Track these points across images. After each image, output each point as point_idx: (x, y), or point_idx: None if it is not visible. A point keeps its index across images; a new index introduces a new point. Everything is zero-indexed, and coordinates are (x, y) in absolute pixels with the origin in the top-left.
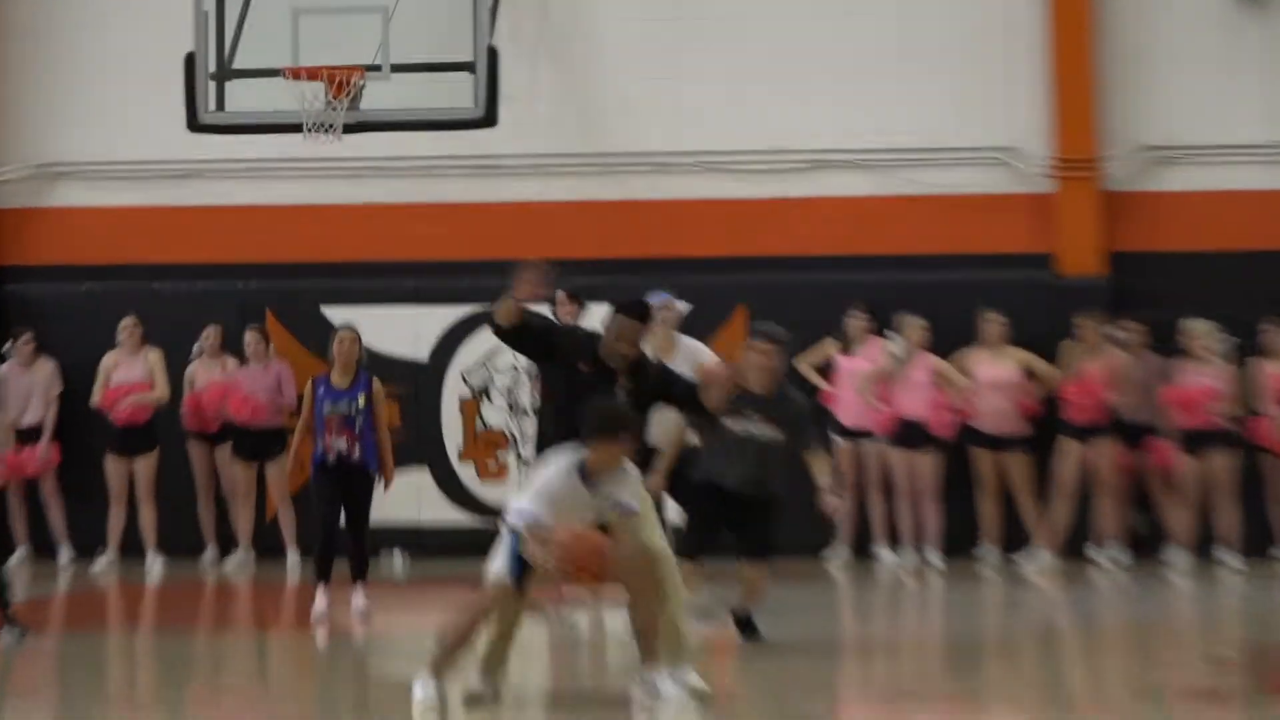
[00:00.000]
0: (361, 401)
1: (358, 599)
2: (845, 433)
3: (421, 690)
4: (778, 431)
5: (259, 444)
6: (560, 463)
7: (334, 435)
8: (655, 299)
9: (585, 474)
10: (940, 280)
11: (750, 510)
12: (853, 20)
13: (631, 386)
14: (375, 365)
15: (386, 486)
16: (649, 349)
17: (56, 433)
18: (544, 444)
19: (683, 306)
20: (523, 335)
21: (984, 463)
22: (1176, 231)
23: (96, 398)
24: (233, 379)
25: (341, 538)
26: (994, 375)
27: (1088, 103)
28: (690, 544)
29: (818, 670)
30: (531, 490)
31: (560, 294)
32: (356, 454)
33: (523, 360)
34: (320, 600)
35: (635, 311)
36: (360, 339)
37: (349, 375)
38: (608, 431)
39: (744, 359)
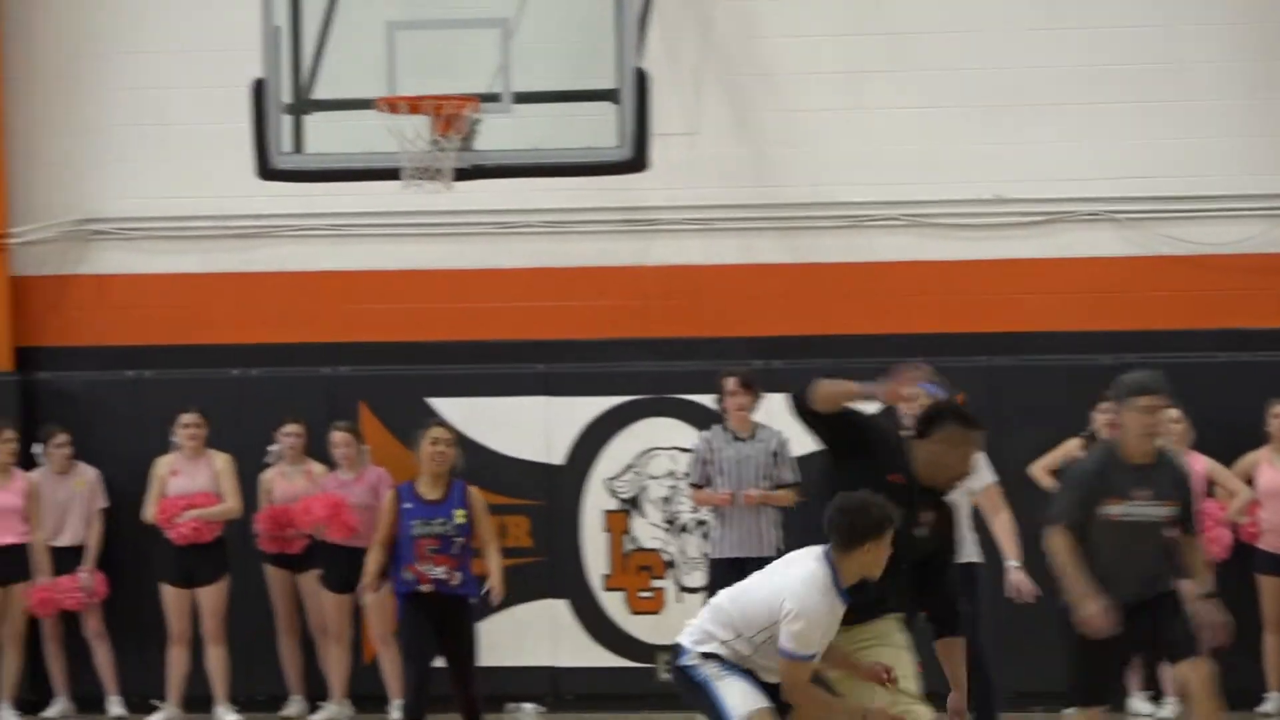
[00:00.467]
0: (459, 517)
1: None
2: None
3: None
4: (1168, 507)
5: (353, 569)
6: (813, 577)
7: (425, 560)
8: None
9: (839, 589)
10: (1209, 362)
11: (1160, 612)
12: (1090, 31)
13: (935, 519)
14: (497, 471)
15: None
16: None
17: (101, 557)
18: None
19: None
20: (835, 425)
21: (1269, 590)
22: None
23: (150, 512)
24: (324, 490)
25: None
26: None
27: None
28: (1088, 690)
29: None
30: (796, 618)
31: (732, 381)
32: (456, 581)
33: (681, 465)
34: None
35: (971, 422)
36: (455, 441)
37: (441, 485)
38: (881, 529)
39: (1124, 422)
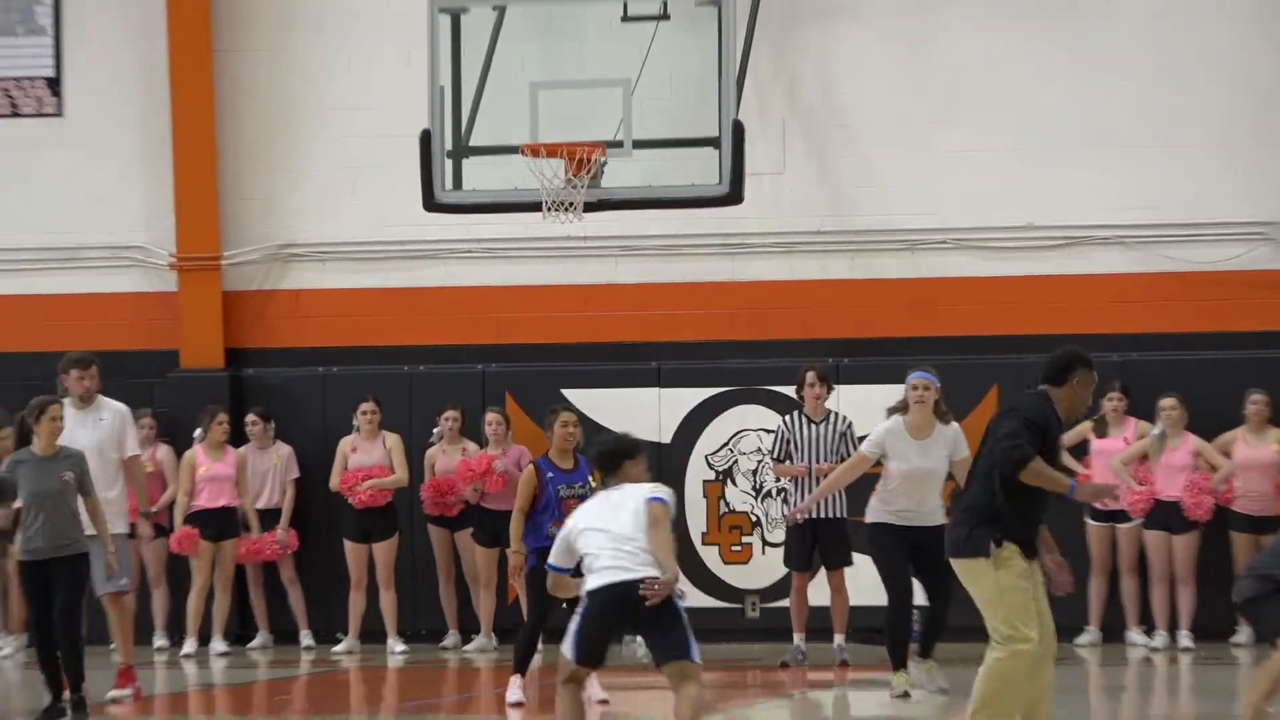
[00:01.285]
0: (594, 482)
1: (594, 688)
2: (1098, 515)
3: None
4: None
5: (499, 527)
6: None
7: None
8: (913, 377)
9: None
10: (1199, 360)
11: None
12: (1111, 86)
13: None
14: None
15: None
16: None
17: (293, 518)
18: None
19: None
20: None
21: (1241, 544)
22: None
23: (334, 482)
24: (480, 458)
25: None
26: (1255, 456)
27: None
28: None
29: None
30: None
31: (810, 375)
32: None
33: (766, 443)
34: (516, 691)
35: (1093, 363)
36: (579, 423)
37: (571, 458)
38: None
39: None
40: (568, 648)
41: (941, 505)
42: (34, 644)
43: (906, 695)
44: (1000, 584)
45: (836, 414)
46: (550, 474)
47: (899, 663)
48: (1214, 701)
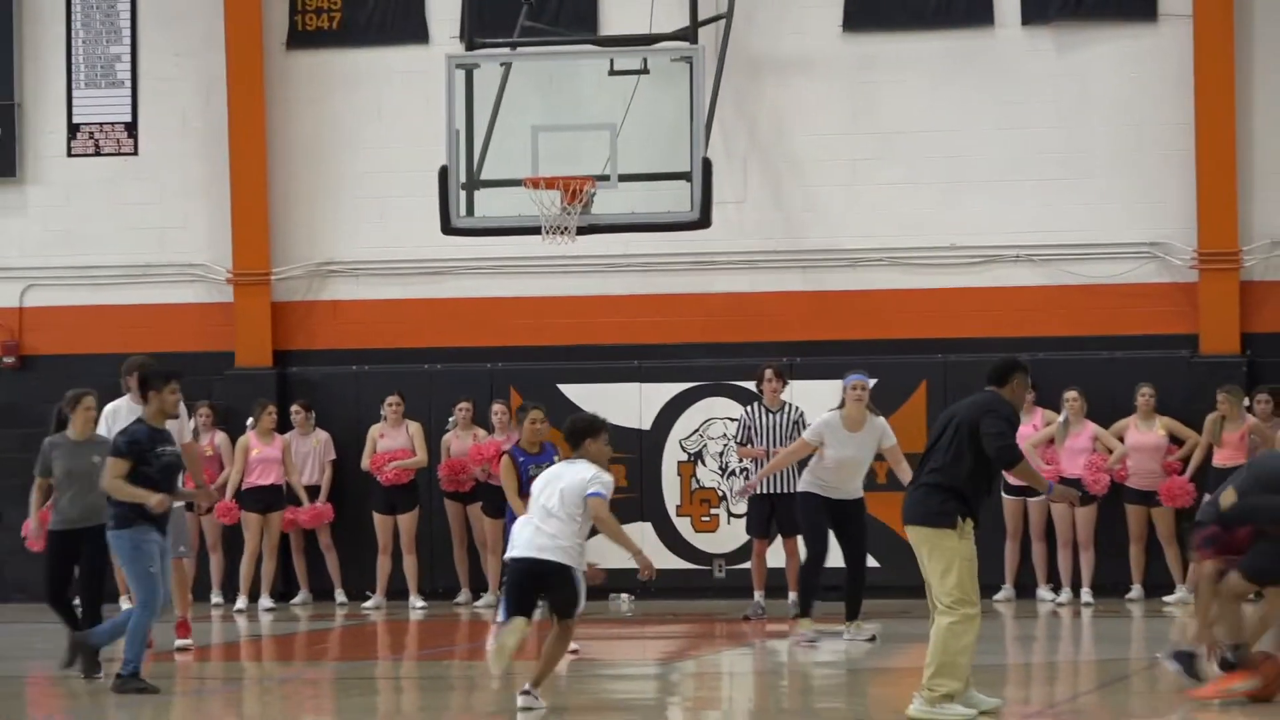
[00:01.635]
0: (556, 460)
1: None
2: (1011, 490)
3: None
4: None
5: (505, 502)
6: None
7: None
8: (850, 379)
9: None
10: (1096, 359)
11: None
12: (1016, 129)
13: None
14: None
15: None
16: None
17: (331, 494)
18: (969, 504)
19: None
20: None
21: (1134, 515)
22: None
23: (365, 463)
24: (489, 444)
25: None
26: (1144, 440)
27: (1231, 202)
28: None
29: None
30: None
31: (769, 372)
32: None
33: (731, 430)
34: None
35: (1028, 368)
36: (546, 419)
37: (537, 447)
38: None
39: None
40: (500, 608)
41: (862, 485)
42: (50, 600)
43: (813, 642)
44: (960, 553)
45: (790, 405)
46: (521, 459)
47: (805, 610)
48: (1111, 647)
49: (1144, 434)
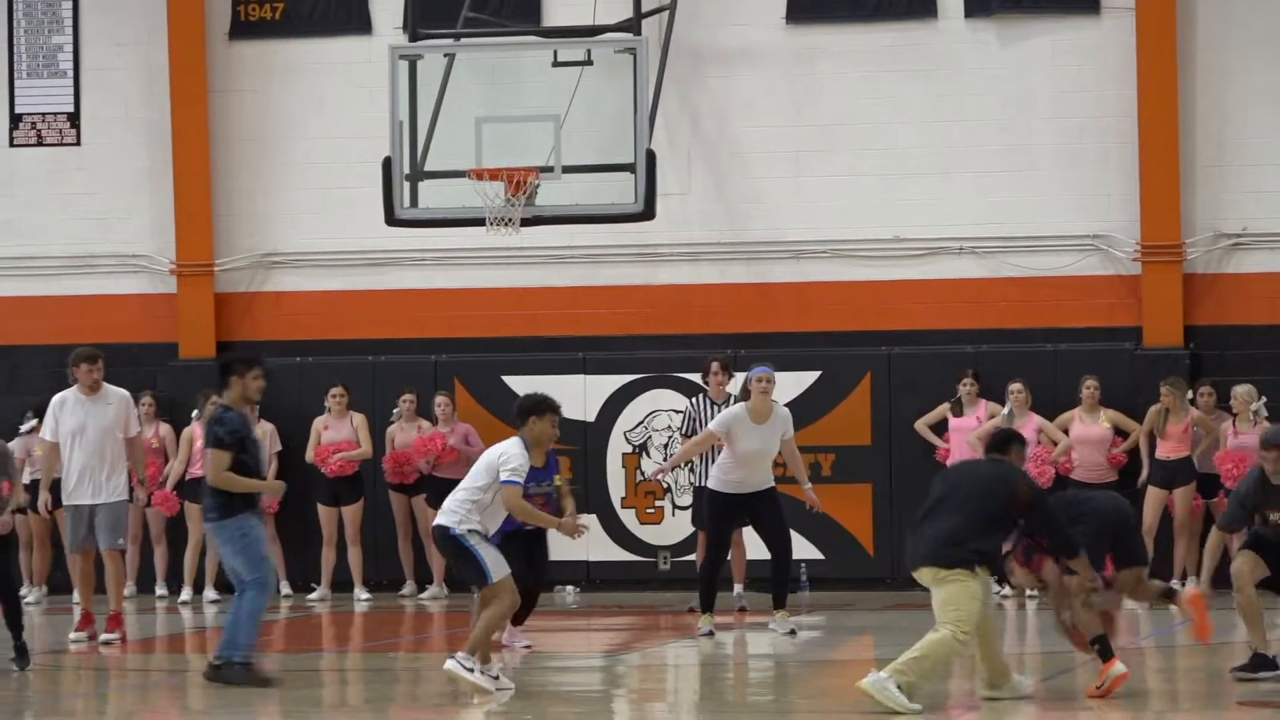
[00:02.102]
0: (558, 481)
1: (519, 637)
2: None
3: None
4: None
5: (450, 492)
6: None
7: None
8: (755, 371)
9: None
10: (1040, 351)
11: None
12: (959, 121)
13: None
14: None
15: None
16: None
17: None
18: (990, 557)
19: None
20: None
21: None
22: (1247, 308)
23: (310, 455)
24: (434, 436)
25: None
26: (1089, 433)
27: (1173, 195)
28: None
29: None
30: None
31: (715, 365)
32: None
33: (676, 421)
34: (510, 633)
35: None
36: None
37: (543, 456)
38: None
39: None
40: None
41: (771, 474)
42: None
43: (711, 634)
44: (971, 591)
45: (734, 396)
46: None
47: (706, 606)
48: (1055, 640)
49: (1089, 426)
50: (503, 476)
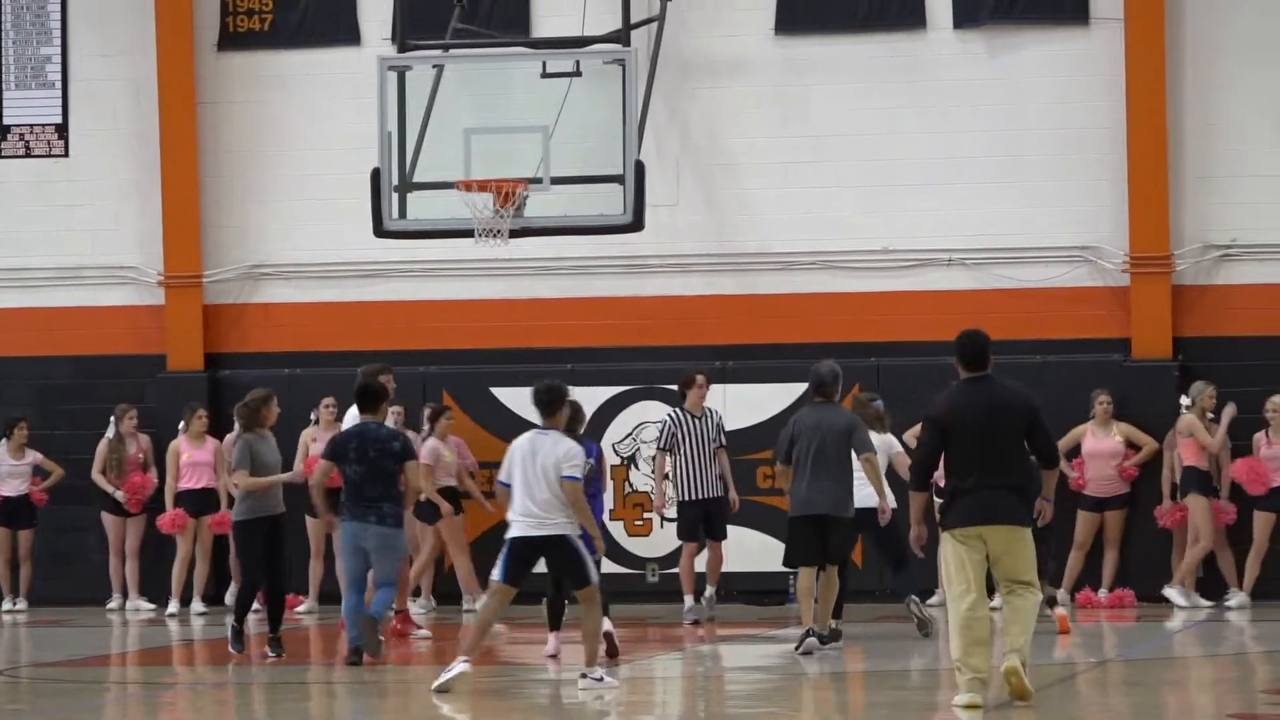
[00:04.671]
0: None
1: (552, 642)
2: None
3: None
4: None
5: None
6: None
7: None
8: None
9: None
10: (1029, 362)
11: None
12: (949, 132)
13: None
14: None
15: None
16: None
17: None
18: None
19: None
20: None
21: (1086, 521)
22: (1236, 320)
23: (297, 466)
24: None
25: None
26: (1101, 447)
27: (1162, 206)
28: None
29: None
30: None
31: (700, 377)
32: None
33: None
34: (552, 642)
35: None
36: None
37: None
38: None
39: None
40: (498, 571)
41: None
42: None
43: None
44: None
45: (712, 410)
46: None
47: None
48: (1045, 652)
49: (1101, 440)
50: (566, 472)
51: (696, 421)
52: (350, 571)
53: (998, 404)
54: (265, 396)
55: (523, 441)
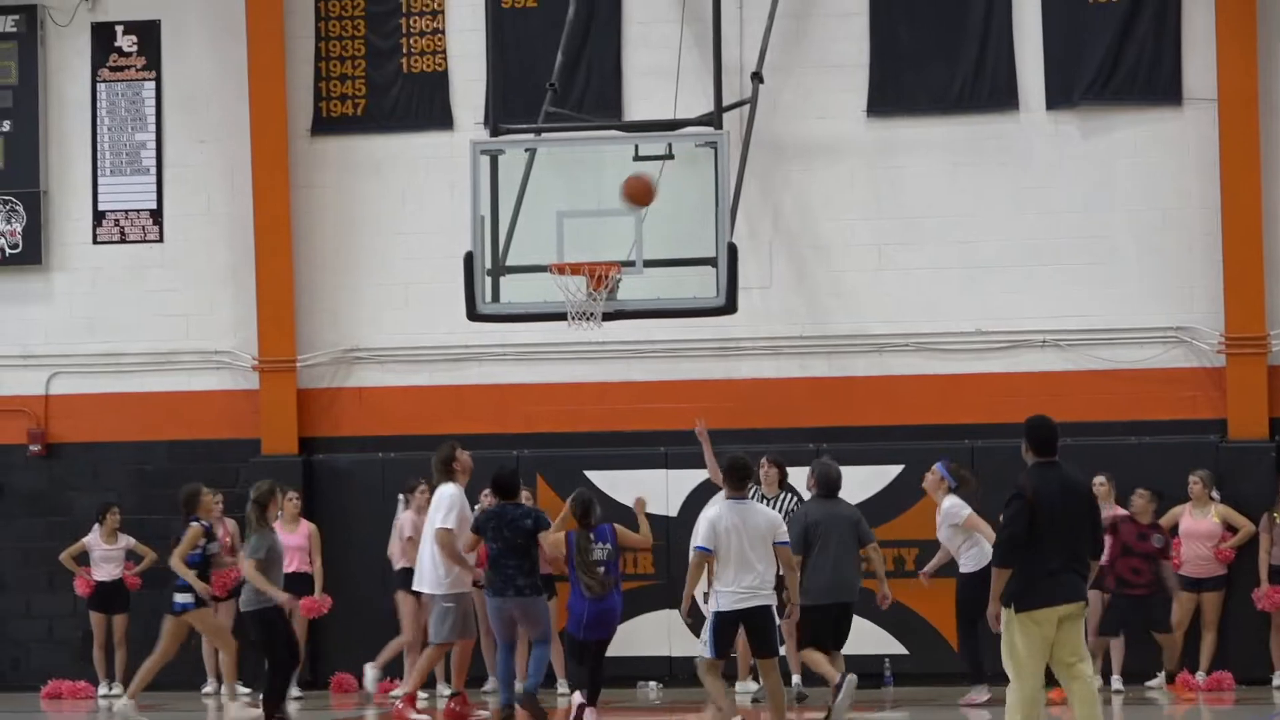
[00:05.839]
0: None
1: (590, 717)
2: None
3: None
4: None
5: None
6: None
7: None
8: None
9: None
10: (1123, 444)
11: None
12: (1041, 213)
13: None
14: (631, 523)
15: None
16: None
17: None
18: None
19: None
20: None
21: (1184, 602)
22: None
23: (392, 549)
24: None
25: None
26: (1197, 527)
27: (1258, 286)
28: None
29: None
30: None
31: (764, 460)
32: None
33: None
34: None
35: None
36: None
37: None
38: None
39: None
40: (706, 648)
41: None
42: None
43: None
44: None
45: (785, 493)
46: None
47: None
48: None
49: (1197, 521)
50: (782, 537)
51: (768, 503)
52: (498, 634)
53: (1068, 488)
54: (271, 488)
55: (725, 511)
